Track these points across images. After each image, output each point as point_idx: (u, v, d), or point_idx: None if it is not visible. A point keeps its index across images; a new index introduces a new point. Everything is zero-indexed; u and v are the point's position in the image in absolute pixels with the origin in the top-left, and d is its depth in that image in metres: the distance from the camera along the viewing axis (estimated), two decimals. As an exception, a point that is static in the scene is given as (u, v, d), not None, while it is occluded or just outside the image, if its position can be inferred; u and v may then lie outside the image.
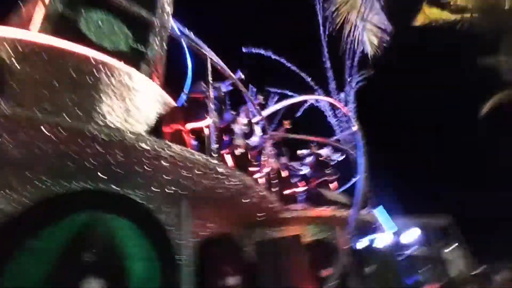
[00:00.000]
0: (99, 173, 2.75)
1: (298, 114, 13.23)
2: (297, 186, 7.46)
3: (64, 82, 3.51)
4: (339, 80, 14.67)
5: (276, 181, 6.54)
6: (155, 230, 3.10)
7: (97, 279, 2.45)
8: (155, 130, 4.29)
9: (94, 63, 3.59)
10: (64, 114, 3.08)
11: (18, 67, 3.41)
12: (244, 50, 13.47)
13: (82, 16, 4.16)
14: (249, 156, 6.59)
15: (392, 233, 7.18)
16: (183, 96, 6.29)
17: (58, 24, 4.03)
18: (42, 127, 2.22)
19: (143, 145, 2.41)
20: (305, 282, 4.76)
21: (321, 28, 14.75)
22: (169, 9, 5.22)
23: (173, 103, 4.95)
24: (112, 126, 3.43)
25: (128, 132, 2.32)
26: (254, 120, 6.76)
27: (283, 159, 7.53)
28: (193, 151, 2.97)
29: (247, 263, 4.67)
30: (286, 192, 6.98)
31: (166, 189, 3.31)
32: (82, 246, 2.51)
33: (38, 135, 2.26)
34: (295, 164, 7.78)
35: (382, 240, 6.83)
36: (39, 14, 3.96)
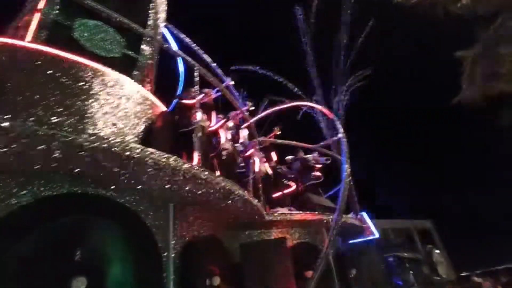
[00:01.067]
0: (87, 178, 2.90)
1: (298, 118, 13.58)
2: (284, 190, 7.64)
3: (55, 90, 3.67)
4: (330, 85, 15.00)
5: (264, 184, 6.70)
6: (141, 232, 3.26)
7: (85, 278, 2.59)
8: (146, 135, 4.46)
9: (84, 70, 3.75)
10: (54, 122, 3.26)
11: (12, 75, 3.56)
12: (233, 68, 13.75)
13: (76, 24, 4.31)
14: (237, 160, 6.78)
15: (376, 236, 7.39)
16: (174, 102, 6.44)
17: (52, 31, 4.18)
18: (35, 138, 2.35)
19: (129, 153, 2.57)
20: (289, 284, 4.92)
21: (304, 36, 15.07)
22: (161, 18, 5.41)
23: (164, 108, 5.11)
24: (102, 133, 3.61)
25: (115, 141, 2.47)
26: (242, 125, 6.97)
27: (272, 163, 7.72)
28: (178, 158, 3.13)
29: (231, 265, 4.83)
30: (274, 195, 7.19)
31: (152, 193, 3.48)
32: (70, 247, 2.66)
33: (30, 146, 2.40)
34: (283, 169, 7.98)
35: (366, 243, 7.05)
36: (34, 22, 4.10)
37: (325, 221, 6.07)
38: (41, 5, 4.10)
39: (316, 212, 6.22)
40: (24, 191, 2.74)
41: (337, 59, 14.52)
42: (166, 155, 3.07)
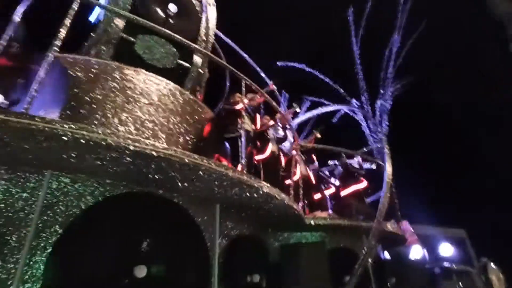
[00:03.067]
0: (147, 181, 3.34)
1: (334, 120, 13.42)
2: (325, 194, 7.71)
3: (124, 100, 4.20)
4: (375, 89, 14.62)
5: (304, 187, 6.85)
6: (192, 229, 3.63)
7: (145, 266, 3.01)
8: (196, 140, 4.88)
9: (143, 81, 4.25)
10: (122, 130, 3.75)
11: (84, 85, 4.15)
12: (279, 64, 13.93)
13: (138, 40, 4.83)
14: (281, 162, 7.01)
15: (420, 246, 7.18)
16: (219, 107, 6.85)
17: (118, 47, 4.74)
18: (112, 147, 2.78)
19: (186, 161, 2.92)
20: (324, 286, 5.05)
21: (354, 39, 14.76)
22: (212, 30, 5.81)
23: (211, 114, 5.50)
24: (162, 141, 4.08)
25: (174, 150, 2.84)
26: (287, 128, 7.18)
27: (313, 167, 7.84)
28: (227, 166, 3.44)
29: (271, 264, 5.08)
30: (314, 198, 7.30)
31: (201, 195, 3.84)
32: (133, 239, 3.10)
33: (108, 153, 2.85)
34: (324, 173, 8.05)
35: (408, 252, 6.88)
36: (103, 39, 4.69)
37: (364, 227, 6.06)
38: (110, 25, 4.66)
39: (356, 218, 6.24)
40: (96, 191, 3.23)
41: (385, 62, 14.08)
42: (217, 163, 3.40)
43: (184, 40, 4.32)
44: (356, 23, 14.69)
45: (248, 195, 3.86)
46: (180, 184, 3.52)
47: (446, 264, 8.07)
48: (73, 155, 2.78)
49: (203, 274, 3.67)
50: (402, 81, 13.73)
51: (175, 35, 4.24)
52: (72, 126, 2.44)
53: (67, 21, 3.20)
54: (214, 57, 5.04)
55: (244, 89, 4.66)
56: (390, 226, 6.54)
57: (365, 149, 8.43)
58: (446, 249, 8.26)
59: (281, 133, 6.95)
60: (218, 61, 4.77)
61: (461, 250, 10.81)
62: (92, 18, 6.69)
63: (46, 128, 2.34)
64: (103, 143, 2.61)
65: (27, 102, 2.52)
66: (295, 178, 6.62)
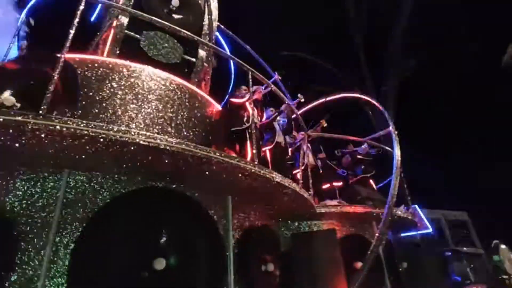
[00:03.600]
0: (162, 176, 3.40)
1: (339, 109, 13.31)
2: (333, 183, 7.75)
3: (131, 97, 4.24)
4: (379, 76, 14.46)
5: (313, 177, 6.89)
6: (206, 221, 3.70)
7: (163, 259, 3.09)
8: (205, 134, 4.92)
9: (152, 77, 4.28)
10: (132, 128, 3.81)
11: (93, 85, 4.20)
12: (283, 53, 13.82)
13: (143, 36, 4.85)
14: (288, 152, 7.05)
15: (429, 230, 7.22)
16: (225, 100, 6.86)
17: (124, 44, 4.77)
18: (130, 144, 2.83)
19: (198, 154, 2.97)
20: (338, 274, 5.13)
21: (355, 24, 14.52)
22: (214, 23, 5.80)
23: (219, 108, 5.53)
24: (175, 136, 4.13)
25: (186, 144, 2.88)
26: (292, 118, 7.19)
27: (320, 156, 7.86)
28: (239, 158, 3.49)
29: (283, 253, 5.17)
30: (323, 187, 7.35)
31: (215, 188, 3.90)
32: (152, 233, 3.18)
33: (122, 150, 2.91)
34: (332, 162, 8.07)
35: (418, 236, 6.92)
36: (110, 38, 4.71)
37: (374, 214, 6.12)
38: (115, 23, 4.68)
39: (365, 205, 6.28)
40: (112, 188, 3.31)
41: (388, 46, 13.88)
42: (229, 155, 3.45)
43: (188, 33, 4.32)
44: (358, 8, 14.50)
45: (260, 186, 3.92)
46: (192, 178, 3.59)
47: (456, 247, 8.12)
48: (89, 153, 2.84)
49: (220, 265, 3.75)
50: (407, 64, 13.57)
51: (180, 29, 4.24)
52: (91, 125, 2.49)
53: (75, 21, 3.19)
54: (220, 49, 5.05)
55: (250, 81, 4.66)
56: (400, 211, 6.58)
57: (372, 136, 8.37)
58: (456, 232, 8.35)
59: (285, 123, 6.99)
60: (224, 54, 4.77)
61: (464, 232, 10.81)
62: (93, 16, 6.72)
63: (64, 129, 2.40)
64: (118, 140, 2.67)
65: (44, 104, 2.56)
66: (302, 167, 6.67)
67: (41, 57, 4.38)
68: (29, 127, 2.34)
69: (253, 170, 3.50)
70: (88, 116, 3.91)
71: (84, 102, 4.03)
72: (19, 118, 2.33)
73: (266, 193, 4.28)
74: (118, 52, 4.69)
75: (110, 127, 2.62)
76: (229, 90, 7.59)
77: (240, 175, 3.55)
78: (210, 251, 3.71)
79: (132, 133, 2.65)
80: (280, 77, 6.01)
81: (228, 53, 7.24)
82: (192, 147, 3.00)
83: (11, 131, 2.42)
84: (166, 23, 4.27)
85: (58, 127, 2.37)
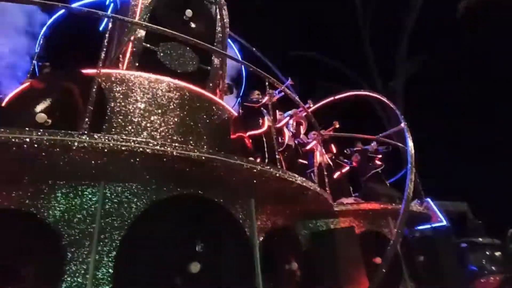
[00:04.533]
0: (192, 182, 3.57)
1: (347, 107, 13.40)
2: (346, 181, 7.88)
3: (153, 108, 4.42)
4: (386, 72, 14.51)
5: (326, 176, 7.02)
6: (234, 225, 3.86)
7: (198, 263, 3.26)
8: (224, 141, 5.09)
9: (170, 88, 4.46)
10: (157, 138, 3.98)
11: (117, 98, 4.37)
12: (291, 54, 13.93)
13: (160, 48, 5.02)
14: (300, 154, 7.20)
15: (444, 223, 7.31)
16: (240, 105, 7.01)
17: (142, 57, 4.95)
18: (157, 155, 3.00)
19: (227, 163, 3.13)
20: (358, 270, 5.26)
21: (362, 22, 14.57)
22: (226, 32, 5.95)
23: (234, 114, 5.69)
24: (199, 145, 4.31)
25: (220, 155, 3.05)
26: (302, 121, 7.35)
27: (331, 156, 7.99)
28: (261, 162, 3.64)
29: (304, 252, 5.31)
30: (336, 186, 7.48)
31: (238, 192, 4.06)
32: (186, 238, 3.35)
33: (152, 162, 3.08)
34: (343, 160, 8.21)
35: (433, 229, 7.01)
36: (129, 51, 4.89)
37: (390, 209, 6.24)
38: (133, 37, 4.85)
39: (381, 201, 6.40)
40: (144, 197, 3.48)
41: (397, 43, 13.91)
42: (251, 161, 3.61)
43: (203, 43, 4.47)
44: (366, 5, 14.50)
45: (283, 188, 4.07)
46: (217, 184, 3.75)
47: (472, 238, 8.17)
48: (125, 166, 3.02)
49: (248, 266, 3.90)
50: (415, 60, 13.60)
51: (196, 40, 4.39)
52: (130, 141, 2.66)
53: (105, 41, 3.36)
54: (234, 58, 5.19)
55: (268, 87, 4.81)
56: (414, 205, 6.69)
57: (384, 133, 8.48)
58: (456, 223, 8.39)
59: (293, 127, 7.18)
60: (238, 61, 4.91)
61: (463, 223, 10.80)
62: (101, 27, 6.91)
63: (106, 145, 2.57)
64: (148, 151, 2.84)
65: (85, 122, 2.74)
66: (316, 167, 6.81)
67: (65, 75, 4.59)
68: (75, 146, 2.51)
69: (278, 175, 3.65)
70: (115, 129, 4.09)
71: (110, 115, 4.21)
72: (66, 138, 2.50)
73: (287, 195, 4.42)
74: (137, 64, 4.86)
75: (143, 140, 2.79)
76: (240, 94, 7.74)
77: (263, 179, 3.70)
78: (238, 253, 3.87)
79: (168, 146, 2.82)
80: (292, 82, 6.16)
81: (240, 58, 7.41)
82: (219, 155, 3.16)
83: (57, 149, 2.59)
84: (181, 34, 4.42)
85: (100, 145, 2.54)
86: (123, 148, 2.62)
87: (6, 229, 2.98)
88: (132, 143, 2.65)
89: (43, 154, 2.66)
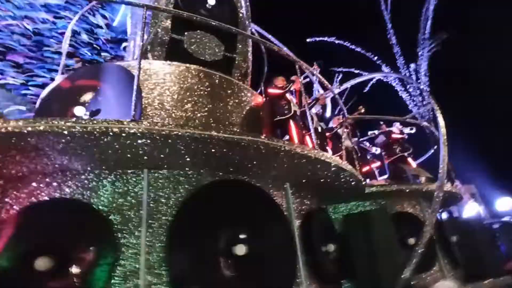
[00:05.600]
0: (234, 167, 3.61)
1: (367, 90, 13.18)
2: (371, 164, 7.81)
3: (184, 97, 4.46)
4: (408, 53, 14.10)
5: (352, 159, 6.97)
6: (274, 208, 3.89)
7: (243, 245, 3.31)
8: (254, 126, 5.10)
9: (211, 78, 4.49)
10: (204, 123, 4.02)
11: (150, 89, 4.42)
12: (308, 40, 13.63)
13: (185, 37, 5.03)
14: (325, 137, 7.14)
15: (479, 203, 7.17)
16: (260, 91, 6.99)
17: (169, 47, 4.97)
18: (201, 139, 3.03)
19: (269, 144, 3.14)
20: (393, 251, 5.23)
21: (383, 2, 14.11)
22: (248, 19, 5.91)
23: (262, 99, 5.68)
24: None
25: (261, 137, 3.06)
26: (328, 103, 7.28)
27: (356, 139, 7.92)
28: (302, 145, 3.63)
29: (338, 233, 5.32)
30: (364, 169, 7.42)
31: (275, 176, 4.07)
32: (231, 220, 3.41)
33: (199, 145, 3.12)
34: (367, 144, 8.13)
35: (468, 210, 6.88)
36: (156, 41, 4.92)
37: (421, 190, 6.15)
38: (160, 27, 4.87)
39: (412, 182, 6.31)
40: (187, 183, 3.53)
41: (418, 22, 13.46)
42: (289, 143, 3.61)
43: (235, 28, 4.46)
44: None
45: (319, 171, 4.06)
46: (256, 167, 3.77)
47: (505, 218, 7.98)
48: (166, 152, 3.07)
49: (288, 248, 3.94)
50: (438, 39, 13.14)
51: (227, 25, 4.36)
52: (185, 128, 2.69)
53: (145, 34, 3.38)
54: (266, 41, 5.17)
55: (298, 71, 4.77)
56: (446, 186, 6.56)
57: (412, 114, 8.31)
58: (504, 204, 8.14)
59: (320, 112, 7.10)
60: (269, 45, 4.84)
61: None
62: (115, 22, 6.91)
63: (156, 131, 2.61)
64: (195, 136, 2.87)
65: (135, 111, 2.79)
66: (342, 150, 6.76)
67: (96, 69, 4.66)
68: (127, 132, 2.56)
69: (317, 157, 3.64)
70: (151, 118, 4.15)
71: (144, 105, 4.27)
72: (118, 125, 2.55)
73: (324, 177, 4.41)
74: (164, 55, 4.89)
75: (188, 125, 2.82)
76: (262, 80, 7.70)
77: (300, 161, 3.70)
78: (280, 236, 3.90)
79: (214, 131, 2.84)
80: (319, 68, 6.09)
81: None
82: (261, 138, 3.17)
83: (108, 138, 2.65)
84: (211, 20, 4.40)
85: (153, 131, 2.58)
86: (173, 134, 2.66)
87: (61, 218, 3.09)
88: (180, 129, 2.68)
89: (94, 142, 2.73)
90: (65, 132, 2.53)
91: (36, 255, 2.87)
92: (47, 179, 3.32)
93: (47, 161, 3.11)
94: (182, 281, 3.09)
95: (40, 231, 3.04)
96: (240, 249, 3.30)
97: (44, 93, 4.56)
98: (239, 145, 3.04)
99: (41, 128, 2.39)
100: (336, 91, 7.47)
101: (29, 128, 2.40)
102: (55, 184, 3.29)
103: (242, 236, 3.38)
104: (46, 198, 3.27)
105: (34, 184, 3.31)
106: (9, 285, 2.82)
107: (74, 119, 2.52)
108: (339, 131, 7.22)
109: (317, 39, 13.92)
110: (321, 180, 4.50)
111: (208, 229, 3.25)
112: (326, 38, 13.97)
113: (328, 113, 7.53)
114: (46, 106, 4.16)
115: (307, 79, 5.88)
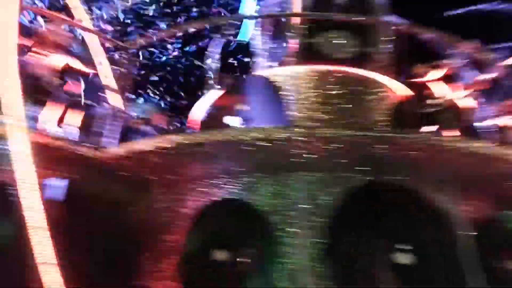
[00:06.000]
0: (384, 167, 3.39)
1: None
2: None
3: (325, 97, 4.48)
4: None
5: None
6: (436, 214, 3.46)
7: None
8: (398, 120, 4.70)
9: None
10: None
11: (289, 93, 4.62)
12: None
13: (322, 39, 5.05)
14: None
15: None
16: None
17: (308, 51, 5.09)
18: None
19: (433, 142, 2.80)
20: None
21: None
22: (386, 8, 5.52)
23: (405, 94, 5.19)
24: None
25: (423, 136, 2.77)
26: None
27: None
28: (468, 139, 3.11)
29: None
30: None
31: (436, 177, 3.61)
32: (391, 226, 3.21)
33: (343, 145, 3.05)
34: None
35: None
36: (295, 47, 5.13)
37: None
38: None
39: None
40: (334, 185, 3.50)
41: None
42: (451, 138, 3.15)
43: (375, 18, 4.20)
44: None
45: (495, 168, 3.40)
46: (413, 168, 3.43)
47: None
48: (324, 155, 3.11)
49: (455, 262, 3.43)
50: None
51: (369, 18, 4.20)
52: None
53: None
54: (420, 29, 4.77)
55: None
56: None
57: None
58: None
59: None
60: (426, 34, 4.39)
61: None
62: (246, 37, 7.40)
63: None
64: (341, 138, 2.84)
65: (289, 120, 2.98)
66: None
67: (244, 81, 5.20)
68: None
69: (493, 154, 3.06)
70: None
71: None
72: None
73: (495, 177, 3.66)
74: (303, 59, 5.03)
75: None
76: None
77: (474, 159, 3.17)
78: (444, 246, 3.45)
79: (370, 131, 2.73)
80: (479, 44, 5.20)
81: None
82: (424, 135, 2.87)
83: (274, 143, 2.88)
84: (349, 16, 4.28)
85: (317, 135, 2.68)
86: (332, 136, 2.70)
87: (231, 216, 3.54)
88: (340, 131, 2.70)
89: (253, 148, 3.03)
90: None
91: (213, 246, 3.38)
92: (214, 181, 3.85)
93: (216, 165, 3.63)
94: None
95: (215, 227, 3.57)
96: (403, 258, 3.06)
97: (202, 108, 5.35)
98: (401, 145, 2.82)
99: (224, 138, 2.79)
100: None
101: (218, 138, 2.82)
102: (221, 185, 3.78)
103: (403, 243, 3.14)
104: (215, 198, 3.79)
105: (204, 184, 3.88)
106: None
107: (256, 129, 2.84)
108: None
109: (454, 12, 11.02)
110: (492, 181, 3.74)
111: (365, 235, 3.14)
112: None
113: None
114: (211, 118, 4.89)
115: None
